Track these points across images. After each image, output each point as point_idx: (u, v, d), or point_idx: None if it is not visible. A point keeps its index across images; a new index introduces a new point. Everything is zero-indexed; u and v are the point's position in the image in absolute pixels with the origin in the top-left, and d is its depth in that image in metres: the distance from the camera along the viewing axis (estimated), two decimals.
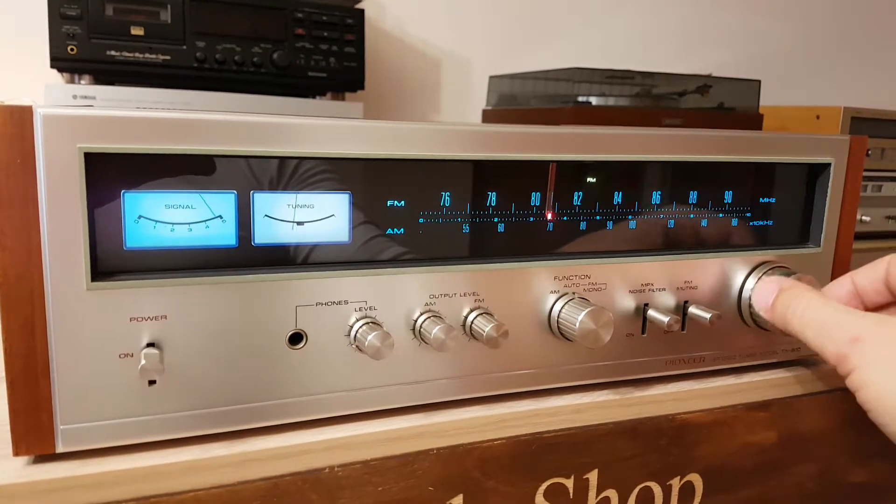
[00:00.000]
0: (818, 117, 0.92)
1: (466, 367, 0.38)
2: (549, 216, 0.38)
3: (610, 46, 1.13)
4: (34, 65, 0.79)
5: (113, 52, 0.72)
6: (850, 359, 0.32)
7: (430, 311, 0.36)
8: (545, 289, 0.38)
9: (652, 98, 0.87)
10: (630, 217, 0.41)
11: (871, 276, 0.40)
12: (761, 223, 0.44)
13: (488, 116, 0.96)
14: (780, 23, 1.26)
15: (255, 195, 0.33)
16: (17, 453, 0.30)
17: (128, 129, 0.29)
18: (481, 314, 0.37)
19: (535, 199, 0.38)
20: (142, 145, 0.30)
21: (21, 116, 0.28)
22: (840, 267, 0.46)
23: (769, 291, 0.38)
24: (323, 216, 0.34)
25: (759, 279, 0.42)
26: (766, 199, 0.44)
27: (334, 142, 0.33)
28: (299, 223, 0.34)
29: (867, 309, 0.40)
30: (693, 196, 0.42)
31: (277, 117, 0.32)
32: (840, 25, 1.32)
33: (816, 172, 0.45)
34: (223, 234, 0.32)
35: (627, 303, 0.41)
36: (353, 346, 0.35)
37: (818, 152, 0.44)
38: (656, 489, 0.42)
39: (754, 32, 1.24)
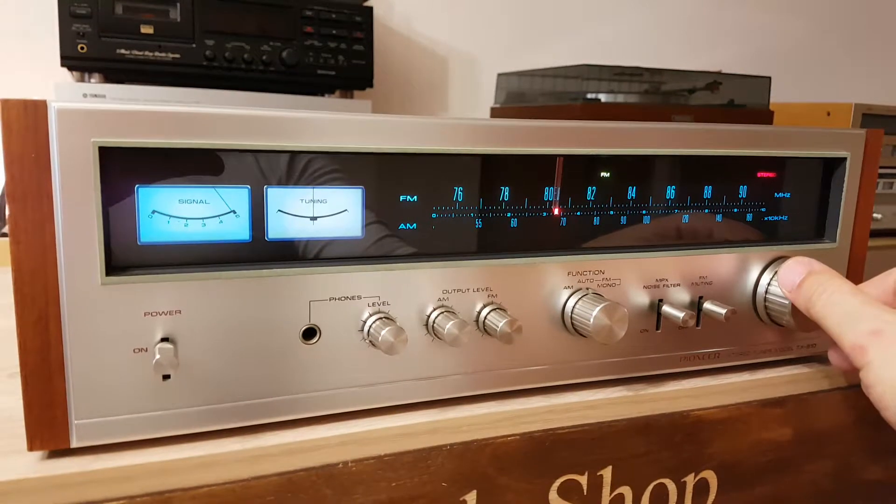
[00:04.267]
0: (829, 114, 0.91)
1: (479, 362, 0.37)
2: (557, 211, 0.38)
3: (619, 43, 1.13)
4: (44, 64, 0.80)
5: (123, 51, 0.72)
6: (868, 351, 0.31)
7: (443, 306, 0.36)
8: (559, 284, 0.38)
9: (661, 95, 0.87)
10: (644, 212, 0.40)
11: (878, 288, 0.39)
12: (776, 218, 0.44)
13: (496, 114, 0.96)
14: (790, 19, 1.25)
15: (269, 190, 0.33)
16: (31, 448, 0.30)
17: (142, 124, 0.29)
18: (494, 309, 0.36)
19: (548, 193, 0.38)
20: (156, 140, 0.30)
21: (35, 111, 0.28)
22: (856, 263, 0.45)
23: (798, 272, 0.38)
24: (336, 211, 0.34)
25: (771, 281, 0.42)
26: (780, 195, 0.44)
27: (348, 136, 0.33)
28: (312, 218, 0.34)
29: None
30: (707, 191, 0.42)
31: (291, 112, 0.32)
32: (850, 21, 1.31)
33: (832, 167, 0.44)
34: (237, 229, 0.32)
35: (641, 298, 0.40)
36: (367, 341, 0.34)
37: (834, 146, 0.43)
38: (670, 486, 0.42)
39: (764, 29, 1.23)
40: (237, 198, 0.32)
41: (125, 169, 0.30)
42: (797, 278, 0.38)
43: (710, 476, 0.43)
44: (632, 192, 0.40)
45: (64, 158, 0.28)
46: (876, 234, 0.88)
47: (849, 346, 0.33)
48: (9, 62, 0.83)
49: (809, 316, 0.37)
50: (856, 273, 0.46)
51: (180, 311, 0.31)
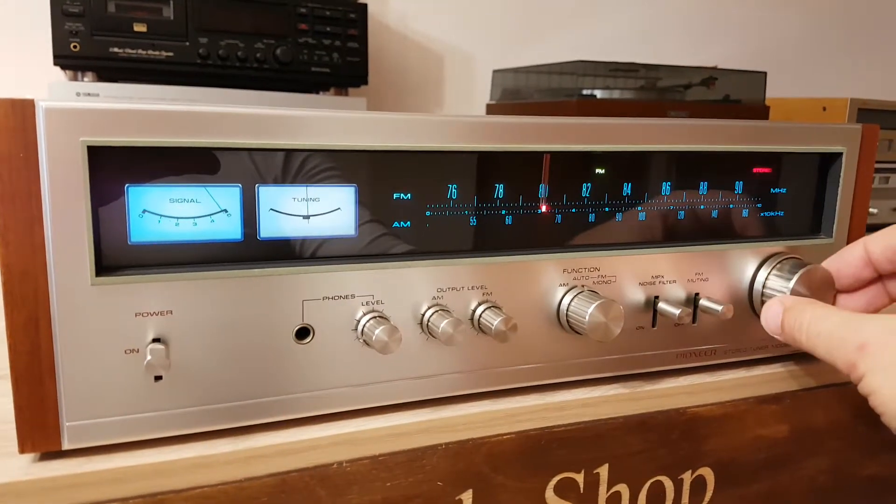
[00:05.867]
0: (825, 109, 0.91)
1: (474, 361, 0.37)
2: (552, 208, 0.38)
3: (614, 39, 1.12)
4: (37, 63, 0.79)
5: (116, 49, 0.72)
6: (859, 366, 0.32)
7: (437, 304, 0.36)
8: (554, 282, 0.38)
9: (657, 91, 0.86)
10: (639, 208, 0.40)
11: (883, 243, 0.39)
12: (772, 214, 0.44)
13: (492, 111, 0.95)
14: (785, 14, 1.25)
15: (261, 188, 0.32)
16: (22, 451, 0.30)
17: (131, 123, 0.29)
18: (489, 308, 0.36)
19: (543, 191, 0.38)
20: (145, 138, 0.29)
21: (23, 110, 0.28)
22: None
23: (775, 314, 0.38)
24: (329, 210, 0.34)
25: (767, 276, 0.42)
26: (777, 190, 0.44)
27: (340, 134, 0.33)
28: (305, 217, 0.33)
29: (880, 275, 0.40)
30: (703, 187, 0.41)
31: (282, 109, 0.32)
32: (846, 16, 1.31)
33: (828, 162, 0.44)
34: (228, 228, 0.32)
35: (637, 295, 0.40)
36: (361, 340, 0.34)
37: (830, 141, 0.43)
38: (667, 483, 0.41)
39: (760, 24, 1.23)
40: (228, 197, 0.32)
41: (115, 168, 0.30)
42: (778, 320, 0.38)
43: (707, 473, 0.43)
44: (627, 189, 0.40)
45: (52, 158, 0.28)
46: (872, 229, 0.87)
47: (843, 367, 0.34)
48: (3, 61, 0.83)
49: (802, 350, 0.37)
50: None
51: (172, 312, 0.31)
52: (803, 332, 0.36)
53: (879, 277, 0.41)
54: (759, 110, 0.86)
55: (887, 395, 0.31)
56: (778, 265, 0.42)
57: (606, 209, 0.39)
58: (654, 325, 0.41)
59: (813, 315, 0.36)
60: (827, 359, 0.35)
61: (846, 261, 0.41)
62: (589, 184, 0.39)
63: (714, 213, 0.42)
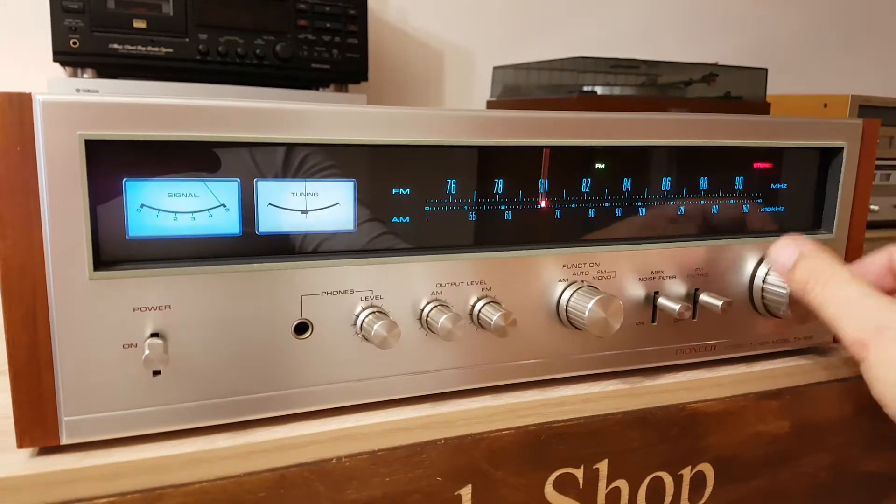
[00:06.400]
0: (826, 105, 0.91)
1: (474, 356, 0.37)
2: (551, 203, 0.38)
3: (615, 35, 1.12)
4: (37, 59, 0.79)
5: (115, 46, 0.71)
6: (870, 347, 0.31)
7: (436, 300, 0.36)
8: (553, 277, 0.38)
9: (657, 87, 0.86)
10: (640, 204, 0.40)
11: (873, 265, 0.39)
12: (773, 209, 0.44)
13: (492, 107, 0.95)
14: (786, 10, 1.25)
15: (259, 183, 0.32)
16: (21, 445, 0.30)
17: (128, 116, 0.29)
18: (489, 303, 0.36)
19: (543, 186, 0.38)
20: (143, 132, 0.29)
21: (20, 104, 0.28)
22: (853, 254, 0.45)
23: (789, 254, 0.36)
24: (328, 204, 0.34)
25: (768, 272, 0.42)
26: (777, 185, 0.43)
27: (339, 128, 0.32)
28: (304, 212, 0.33)
29: None
30: (704, 182, 0.41)
31: (281, 103, 0.31)
32: (847, 13, 1.30)
33: (829, 157, 0.44)
34: (227, 222, 0.32)
35: (637, 291, 0.40)
36: (360, 335, 0.34)
37: (831, 136, 0.43)
38: (667, 479, 0.41)
39: (760, 23, 1.23)
40: (227, 191, 0.32)
41: (112, 162, 0.30)
42: (789, 260, 0.37)
43: (707, 469, 0.42)
44: (627, 184, 0.39)
45: (50, 152, 0.28)
46: (873, 225, 0.87)
47: (850, 339, 0.32)
48: (2, 58, 0.83)
49: (803, 301, 0.36)
50: None
51: (170, 307, 0.31)
52: (818, 287, 0.34)
53: None
54: (760, 107, 0.86)
55: (893, 388, 0.30)
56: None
57: (606, 204, 0.39)
58: (653, 321, 0.41)
59: (834, 275, 0.34)
60: (834, 323, 0.33)
61: (867, 266, 0.39)
62: (589, 179, 0.39)
63: (714, 209, 0.42)
